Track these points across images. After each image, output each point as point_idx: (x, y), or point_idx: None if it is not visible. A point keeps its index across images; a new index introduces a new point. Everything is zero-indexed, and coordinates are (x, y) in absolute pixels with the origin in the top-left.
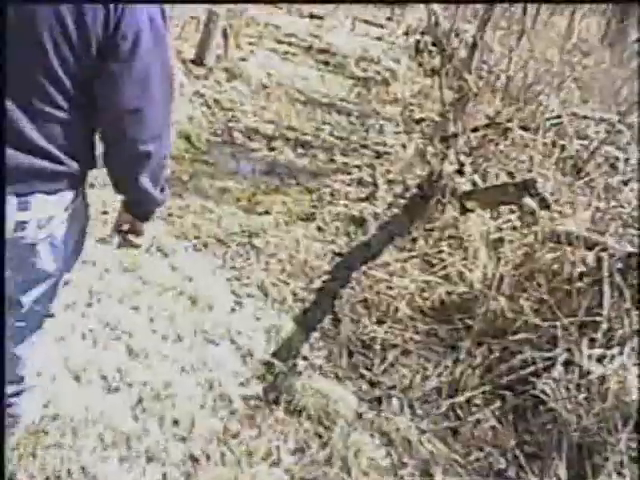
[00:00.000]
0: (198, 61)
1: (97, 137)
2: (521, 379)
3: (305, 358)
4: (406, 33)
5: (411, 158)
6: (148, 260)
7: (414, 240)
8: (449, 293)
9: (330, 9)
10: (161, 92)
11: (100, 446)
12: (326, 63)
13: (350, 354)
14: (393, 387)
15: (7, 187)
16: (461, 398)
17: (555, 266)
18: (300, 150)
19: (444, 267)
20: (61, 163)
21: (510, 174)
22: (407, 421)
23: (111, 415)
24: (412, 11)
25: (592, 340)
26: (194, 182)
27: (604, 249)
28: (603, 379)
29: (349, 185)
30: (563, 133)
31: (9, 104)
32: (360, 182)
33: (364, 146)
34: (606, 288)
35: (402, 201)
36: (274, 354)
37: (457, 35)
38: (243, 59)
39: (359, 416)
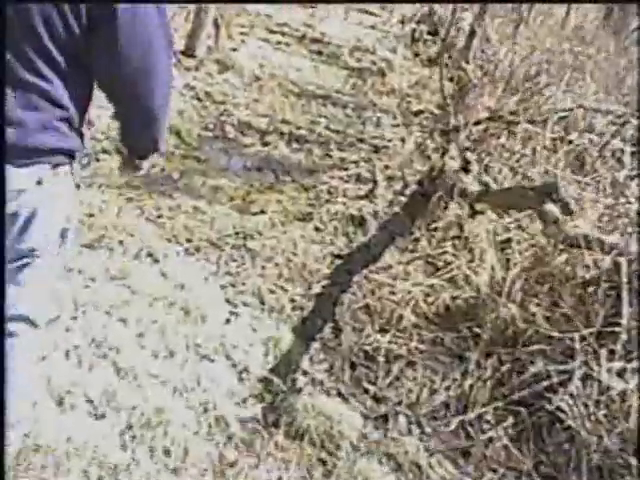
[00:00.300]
0: (188, 52)
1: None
2: (535, 394)
3: (305, 373)
4: (401, 22)
5: (410, 153)
6: (137, 267)
7: (416, 240)
8: (454, 298)
9: None
10: (164, 48)
11: None
12: (319, 53)
13: (352, 366)
14: (399, 403)
15: None
16: (471, 415)
17: (568, 269)
18: (295, 145)
19: (449, 270)
20: (34, 136)
21: (512, 169)
22: (415, 441)
23: (97, 445)
24: None
25: (611, 352)
26: (185, 180)
27: (621, 253)
28: (624, 395)
29: (347, 182)
30: (570, 127)
31: None
32: (358, 178)
33: (361, 140)
34: (625, 295)
35: (402, 198)
36: (272, 370)
37: (455, 23)
38: (235, 49)
39: (364, 437)
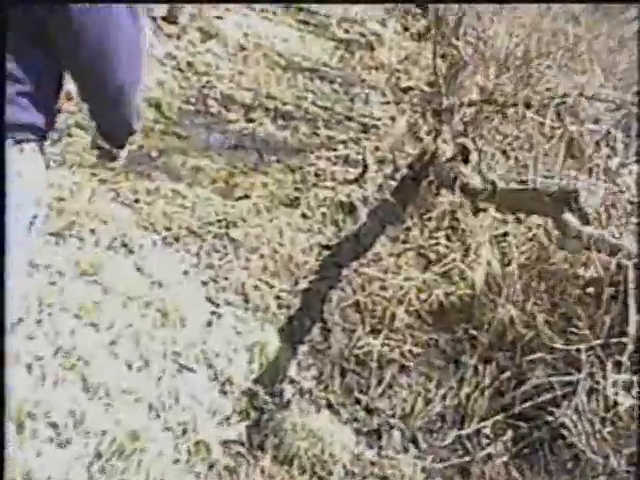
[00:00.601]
0: (170, 19)
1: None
2: (536, 406)
3: (293, 382)
4: None
5: (402, 134)
6: (110, 259)
7: (408, 230)
8: (448, 294)
9: None
10: (126, 17)
11: None
12: (306, 23)
13: (343, 373)
14: (393, 415)
15: None
16: (469, 430)
17: (568, 267)
18: (281, 122)
19: (442, 264)
20: None
21: (504, 153)
22: (411, 460)
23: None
24: None
25: (617, 364)
26: (164, 159)
27: (628, 255)
28: (632, 412)
29: (335, 164)
30: (566, 112)
31: None
32: (347, 160)
33: (349, 118)
34: (631, 302)
35: (393, 183)
36: (257, 380)
37: None
38: (219, 17)
39: (358, 458)
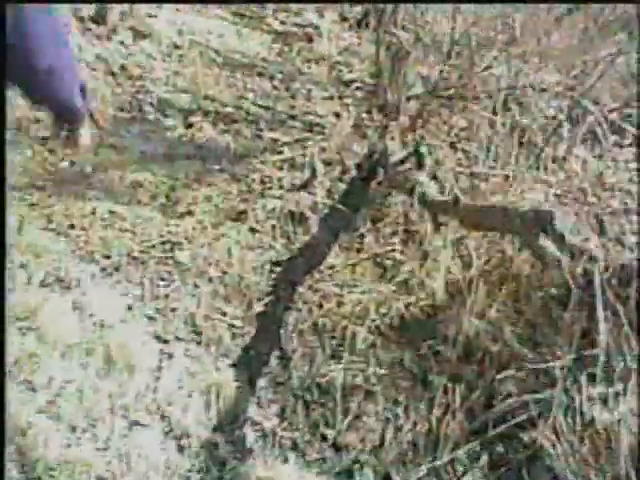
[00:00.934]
0: (99, 19)
1: None
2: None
3: (254, 423)
4: None
5: (347, 133)
6: (45, 300)
7: (361, 237)
8: (408, 306)
9: None
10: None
11: None
12: (241, 16)
13: (306, 406)
14: (362, 450)
15: None
16: (444, 459)
17: (530, 270)
18: (221, 125)
19: (399, 272)
20: None
21: (452, 145)
22: None
23: None
24: None
25: (590, 376)
26: (99, 176)
27: (592, 257)
28: (611, 427)
29: (280, 169)
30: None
31: None
32: (293, 164)
33: (292, 117)
34: (599, 309)
35: (341, 185)
36: (217, 428)
37: None
38: (151, 15)
39: None
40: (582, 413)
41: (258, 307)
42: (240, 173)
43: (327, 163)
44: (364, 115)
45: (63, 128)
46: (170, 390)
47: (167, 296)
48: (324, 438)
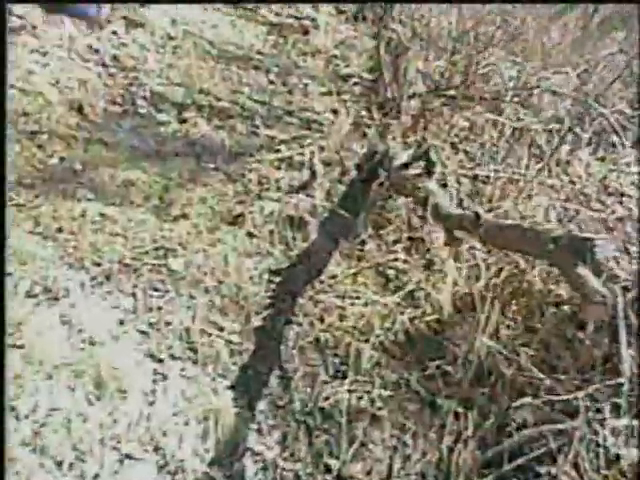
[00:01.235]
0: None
1: None
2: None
3: (254, 453)
4: None
5: (347, 131)
6: (32, 313)
7: (362, 243)
8: (413, 319)
9: None
10: None
11: None
12: (236, 6)
13: (309, 432)
14: None
15: None
16: None
17: (542, 285)
18: (216, 121)
19: (403, 283)
20: None
21: (453, 145)
22: None
23: None
24: None
25: (614, 406)
26: (90, 174)
27: (614, 276)
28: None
29: (278, 168)
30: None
31: None
32: (290, 164)
33: (289, 113)
34: (622, 333)
35: (341, 187)
36: (214, 461)
37: None
38: (144, 5)
39: None
40: (606, 448)
41: (257, 321)
42: (236, 172)
43: (326, 163)
44: (363, 113)
45: None
46: (165, 417)
47: (160, 308)
48: (328, 469)
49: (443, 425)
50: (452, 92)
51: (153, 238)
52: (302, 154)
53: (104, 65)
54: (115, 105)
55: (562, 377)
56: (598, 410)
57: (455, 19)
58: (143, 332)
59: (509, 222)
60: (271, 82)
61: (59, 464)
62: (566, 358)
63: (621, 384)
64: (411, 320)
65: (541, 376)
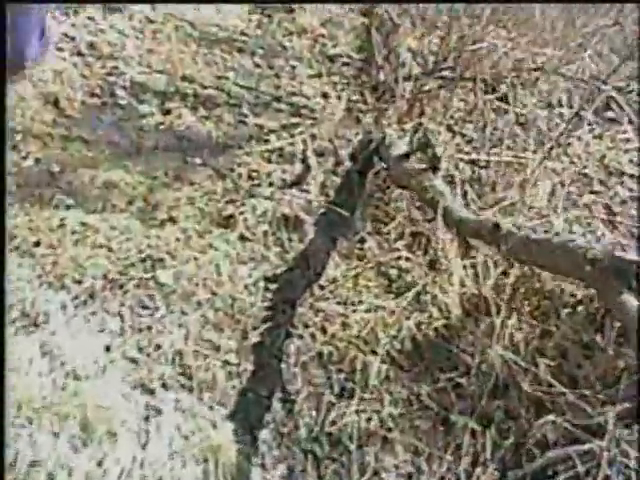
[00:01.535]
0: None
1: None
2: None
3: None
4: None
5: (339, 118)
6: (10, 344)
7: (362, 241)
8: (420, 325)
9: None
10: None
11: None
12: None
13: (317, 462)
14: None
15: None
16: None
17: (556, 285)
18: (202, 111)
19: (407, 284)
20: None
21: (449, 127)
22: None
23: None
24: None
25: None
26: (68, 176)
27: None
28: None
29: (269, 161)
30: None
31: None
32: (281, 155)
33: (277, 98)
34: None
35: (336, 179)
36: None
37: None
38: None
39: None
40: (638, 472)
41: (254, 337)
42: (225, 167)
43: (319, 154)
44: (356, 97)
45: None
46: (160, 461)
47: (150, 328)
48: None
49: (458, 446)
50: (448, 73)
51: (139, 248)
52: (293, 144)
53: (80, 54)
54: (94, 97)
55: (586, 392)
56: (627, 426)
57: None
58: (132, 360)
59: (535, 236)
60: (257, 65)
61: None
62: (585, 367)
63: None
64: (417, 326)
65: (563, 390)
